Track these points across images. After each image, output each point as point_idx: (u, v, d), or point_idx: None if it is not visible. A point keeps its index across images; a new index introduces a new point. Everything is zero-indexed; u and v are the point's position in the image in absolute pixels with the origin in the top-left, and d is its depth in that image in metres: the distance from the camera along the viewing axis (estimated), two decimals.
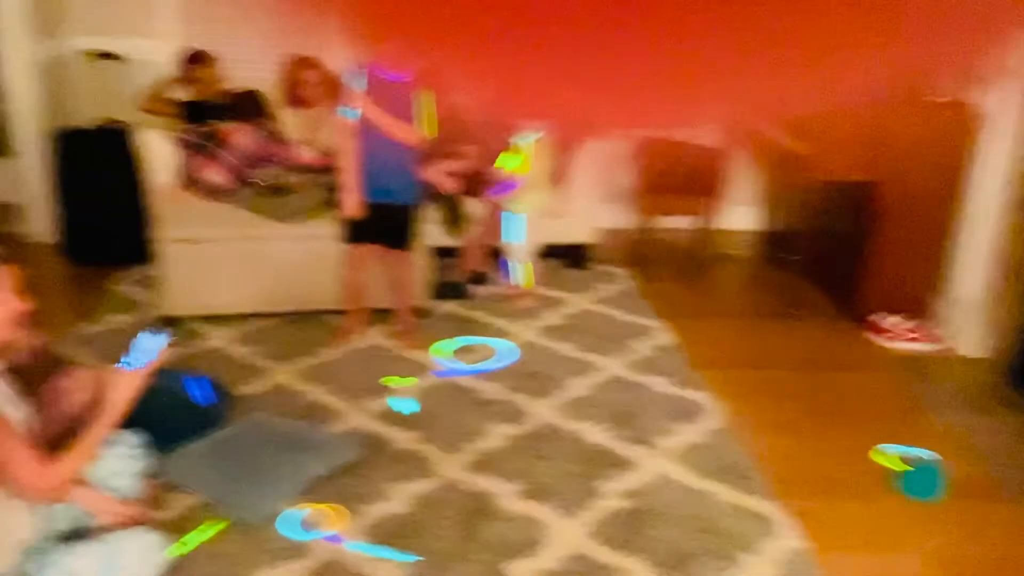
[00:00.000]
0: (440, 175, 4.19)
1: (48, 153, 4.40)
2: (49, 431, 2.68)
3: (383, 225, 3.46)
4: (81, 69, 4.75)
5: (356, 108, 3.26)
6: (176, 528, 2.42)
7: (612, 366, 3.49)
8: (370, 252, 3.54)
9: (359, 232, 3.45)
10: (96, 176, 4.34)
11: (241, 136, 4.10)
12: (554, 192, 4.35)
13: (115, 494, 2.32)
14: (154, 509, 2.45)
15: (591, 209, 4.45)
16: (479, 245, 4.32)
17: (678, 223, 4.81)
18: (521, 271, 4.18)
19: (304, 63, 4.32)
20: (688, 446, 2.94)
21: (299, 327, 3.70)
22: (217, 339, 3.62)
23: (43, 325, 3.64)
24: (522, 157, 4.00)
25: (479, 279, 4.29)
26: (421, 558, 2.34)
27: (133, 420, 2.74)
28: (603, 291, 4.28)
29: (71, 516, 2.26)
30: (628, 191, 4.27)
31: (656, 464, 2.83)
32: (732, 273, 4.71)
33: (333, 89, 4.42)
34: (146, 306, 3.87)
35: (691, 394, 3.28)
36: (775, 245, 4.84)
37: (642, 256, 4.62)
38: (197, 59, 4.38)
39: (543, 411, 3.14)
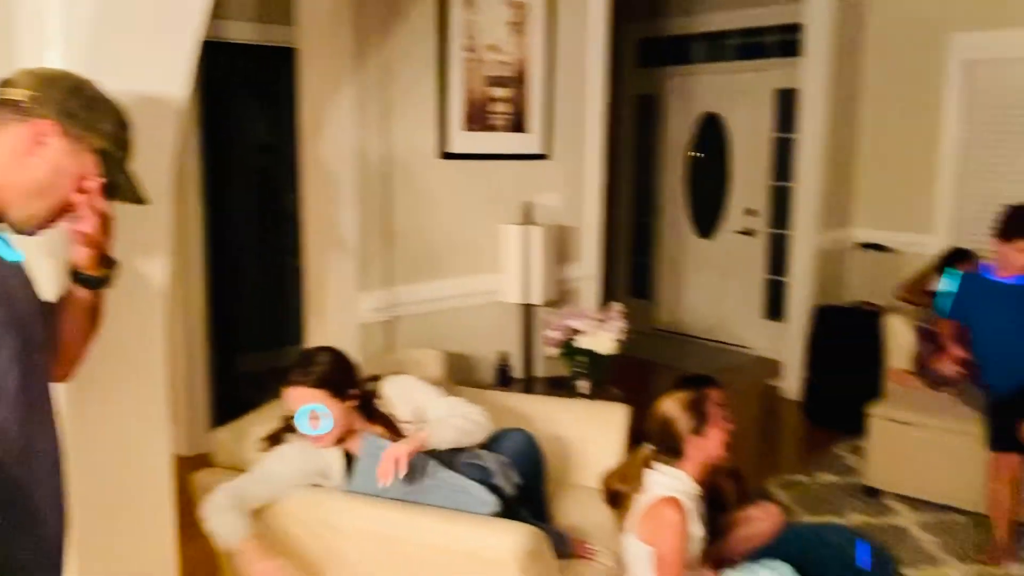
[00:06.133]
0: None
1: (807, 323, 5.15)
2: (732, 548, 3.28)
3: None
4: (853, 256, 5.43)
5: None
6: None
7: None
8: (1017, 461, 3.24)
9: (1005, 437, 3.20)
10: (843, 350, 4.89)
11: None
12: None
13: None
14: None
15: None
16: None
17: None
18: None
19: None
20: None
21: (988, 531, 3.54)
22: (905, 519, 3.73)
23: (769, 466, 4.33)
24: None
25: None
26: None
27: (790, 557, 3.13)
28: None
29: None
30: None
31: None
32: None
33: None
34: (854, 472, 4.21)
35: None
36: None
37: None
38: (959, 257, 4.59)
39: None
